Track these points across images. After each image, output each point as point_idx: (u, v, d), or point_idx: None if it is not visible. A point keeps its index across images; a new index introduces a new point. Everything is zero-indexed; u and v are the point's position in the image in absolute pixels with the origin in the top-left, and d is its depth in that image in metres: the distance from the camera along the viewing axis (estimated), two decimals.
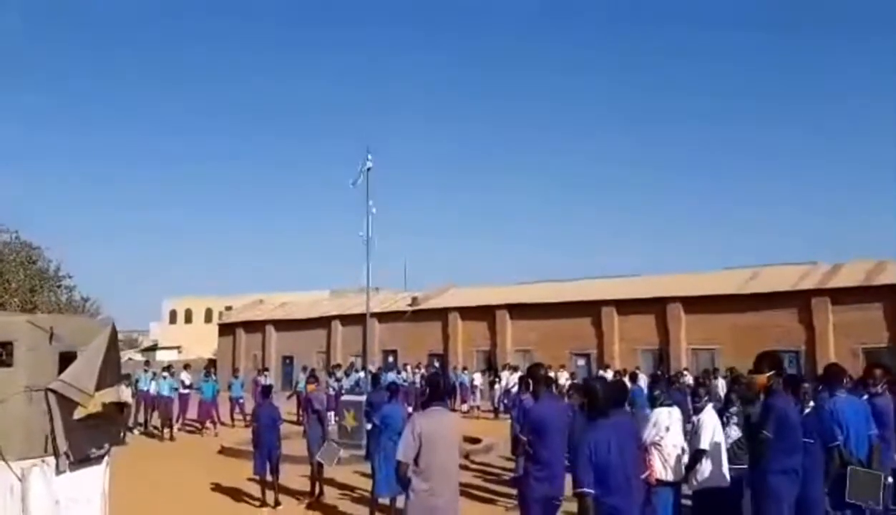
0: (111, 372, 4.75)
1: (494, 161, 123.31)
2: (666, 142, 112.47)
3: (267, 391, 12.78)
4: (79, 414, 4.39)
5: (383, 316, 38.63)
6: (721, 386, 19.63)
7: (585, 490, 4.22)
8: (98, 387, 4.51)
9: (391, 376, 23.36)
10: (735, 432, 8.19)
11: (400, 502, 9.87)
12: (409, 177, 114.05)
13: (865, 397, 6.87)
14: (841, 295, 27.47)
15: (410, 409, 13.42)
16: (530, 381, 6.45)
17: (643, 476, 4.44)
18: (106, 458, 4.84)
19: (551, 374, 18.04)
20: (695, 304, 30.63)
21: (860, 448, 6.17)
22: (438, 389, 5.52)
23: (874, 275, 27.85)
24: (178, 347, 66.47)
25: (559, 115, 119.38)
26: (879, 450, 6.35)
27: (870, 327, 26.14)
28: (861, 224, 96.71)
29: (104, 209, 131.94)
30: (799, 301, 28.35)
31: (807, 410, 6.08)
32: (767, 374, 5.56)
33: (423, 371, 29.96)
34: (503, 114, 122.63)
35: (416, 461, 5.20)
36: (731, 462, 7.98)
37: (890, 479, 6.49)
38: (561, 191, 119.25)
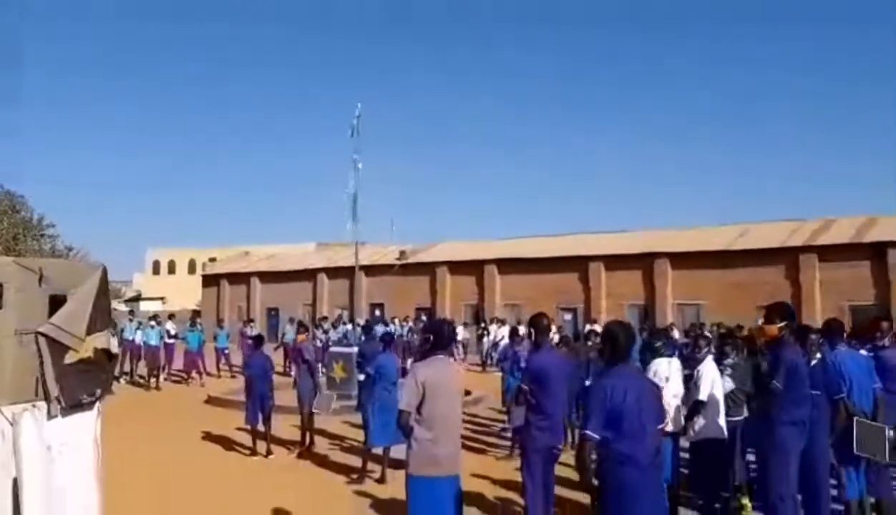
0: (101, 318, 4.57)
1: (483, 116, 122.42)
2: (655, 98, 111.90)
3: (259, 341, 12.65)
4: (70, 358, 4.22)
5: (371, 270, 38.50)
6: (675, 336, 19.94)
7: (589, 433, 4.11)
8: (88, 332, 4.35)
9: (382, 329, 23.28)
10: (729, 384, 8.16)
11: (394, 452, 9.86)
12: (397, 131, 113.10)
13: (865, 350, 6.81)
14: (829, 253, 27.52)
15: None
16: (532, 331, 6.31)
17: (660, 427, 4.31)
18: (97, 404, 4.68)
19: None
20: (682, 260, 30.64)
21: (864, 401, 6.13)
22: (442, 337, 5.38)
23: (863, 232, 27.90)
24: (161, 298, 66.14)
25: (550, 67, 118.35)
26: (884, 403, 6.30)
27: (857, 284, 26.25)
28: (852, 180, 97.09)
29: (87, 159, 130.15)
30: (787, 258, 28.39)
31: (813, 362, 6.00)
32: (779, 325, 5.46)
33: (410, 324, 29.98)
34: (493, 66, 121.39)
35: (418, 410, 5.09)
36: (725, 414, 7.98)
37: (892, 433, 6.46)
38: (551, 146, 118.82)
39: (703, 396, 7.67)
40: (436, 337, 5.41)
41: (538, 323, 6.29)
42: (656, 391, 4.52)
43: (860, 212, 32.17)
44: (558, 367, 6.24)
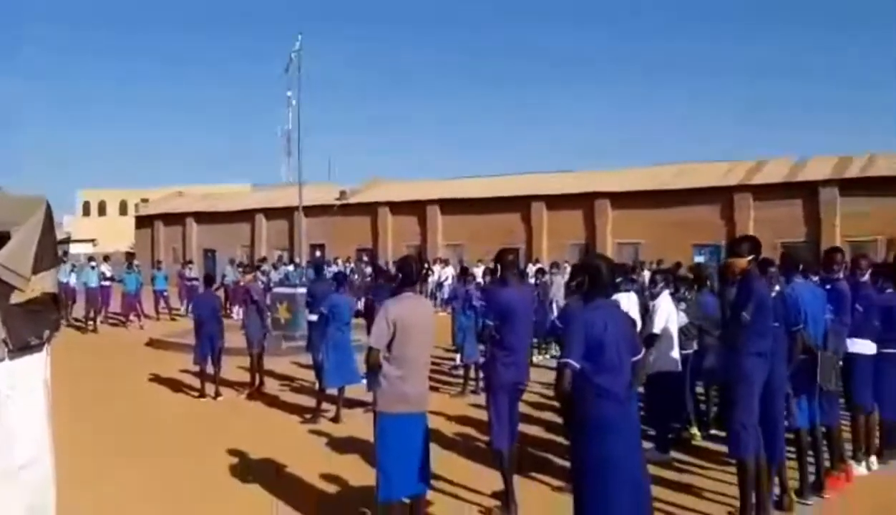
0: (47, 256, 4.30)
1: (425, 54, 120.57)
2: (595, 39, 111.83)
3: (209, 280, 12.32)
4: (16, 298, 3.97)
5: (310, 210, 37.85)
6: (646, 277, 20.21)
7: (570, 360, 4.06)
8: (34, 271, 4.09)
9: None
10: (682, 318, 8.31)
11: (348, 391, 9.81)
12: (335, 69, 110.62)
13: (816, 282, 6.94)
14: (763, 192, 28.21)
15: None
16: (498, 266, 6.23)
17: (635, 359, 4.29)
18: (46, 346, 4.44)
19: (475, 270, 18.11)
20: (621, 200, 31.04)
21: (817, 332, 6.27)
22: (410, 274, 5.26)
23: (796, 172, 28.65)
24: (92, 240, 64.09)
25: (495, 6, 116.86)
26: (834, 333, 6.48)
27: (789, 223, 27.01)
28: (786, 121, 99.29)
29: (9, 94, 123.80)
30: (722, 197, 29.00)
31: (772, 294, 6.09)
32: (748, 257, 5.49)
33: (352, 265, 29.74)
34: (437, 3, 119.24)
35: (388, 347, 4.98)
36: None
37: (840, 362, 6.67)
38: (492, 85, 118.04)
39: (656, 329, 7.80)
40: (404, 275, 5.29)
41: (504, 259, 6.21)
42: (632, 324, 4.50)
43: (793, 152, 33.06)
44: (524, 303, 6.19)
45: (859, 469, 7.04)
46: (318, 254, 35.74)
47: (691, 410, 8.64)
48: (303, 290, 14.25)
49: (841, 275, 6.86)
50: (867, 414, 7.19)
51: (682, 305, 8.43)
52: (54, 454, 3.94)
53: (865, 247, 21.71)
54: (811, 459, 6.49)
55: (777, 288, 6.20)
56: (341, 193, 38.83)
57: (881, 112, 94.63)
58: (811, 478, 6.43)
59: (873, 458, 7.26)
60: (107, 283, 22.06)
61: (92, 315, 20.73)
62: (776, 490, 6.09)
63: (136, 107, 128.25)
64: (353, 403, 9.91)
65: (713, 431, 8.49)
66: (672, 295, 8.38)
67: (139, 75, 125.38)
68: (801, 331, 6.02)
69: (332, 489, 6.85)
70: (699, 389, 9.11)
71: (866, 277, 7.25)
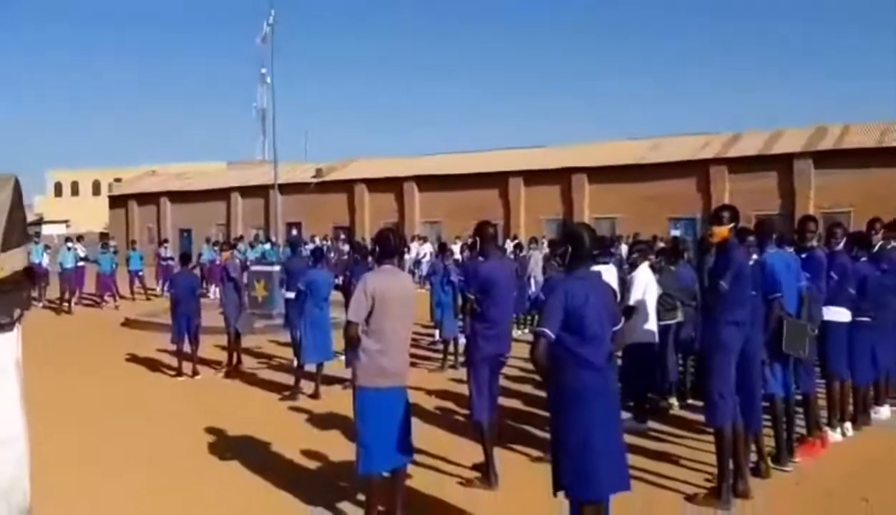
0: (18, 233, 4.21)
1: (398, 30, 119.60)
2: (570, 12, 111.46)
3: (185, 258, 12.18)
4: None
5: (286, 188, 37.59)
6: (624, 251, 20.26)
7: (545, 330, 4.04)
8: (4, 248, 4.00)
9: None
10: (658, 290, 8.36)
11: (327, 368, 9.79)
12: (309, 45, 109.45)
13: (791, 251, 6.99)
14: (738, 165, 28.39)
15: None
16: (478, 239, 6.20)
17: (615, 329, 4.29)
18: (17, 325, 4.36)
19: (453, 246, 18.08)
20: (598, 175, 31.11)
21: (790, 300, 6.32)
22: (388, 246, 5.20)
23: (771, 145, 28.84)
24: (65, 221, 63.32)
25: None
26: (809, 300, 6.54)
27: (764, 195, 27.23)
28: (760, 94, 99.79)
29: None
30: (698, 170, 29.17)
31: (750, 263, 6.13)
32: (729, 226, 5.51)
33: (329, 243, 29.60)
34: None
35: (367, 321, 4.94)
36: (657, 318, 8.19)
37: (814, 330, 6.75)
38: (469, 61, 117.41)
39: (632, 301, 7.85)
40: (382, 248, 5.23)
41: (484, 232, 6.18)
42: (613, 294, 4.49)
43: (768, 124, 33.26)
44: (504, 276, 6.17)
45: (834, 436, 7.15)
46: (294, 232, 35.54)
47: (675, 380, 8.73)
48: (279, 268, 14.18)
49: (815, 244, 6.91)
50: (842, 382, 7.30)
51: (655, 276, 8.48)
52: (28, 434, 3.88)
53: (839, 218, 21.92)
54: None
55: (754, 257, 6.22)
56: (317, 171, 38.56)
57: (857, 82, 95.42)
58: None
59: (848, 424, 7.38)
60: (81, 264, 21.79)
61: (67, 296, 20.48)
62: (753, 457, 6.17)
63: (107, 86, 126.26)
64: (331, 379, 9.89)
65: (690, 400, 8.58)
66: (650, 267, 8.43)
67: (111, 53, 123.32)
68: (777, 300, 6.06)
69: (312, 464, 6.83)
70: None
71: (841, 246, 7.33)
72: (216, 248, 21.84)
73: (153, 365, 12.19)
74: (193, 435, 7.82)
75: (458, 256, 16.34)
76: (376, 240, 5.35)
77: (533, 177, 32.33)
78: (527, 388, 9.44)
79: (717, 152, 29.46)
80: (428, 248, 27.31)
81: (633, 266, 8.22)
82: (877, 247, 7.92)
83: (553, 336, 4.05)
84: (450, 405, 8.91)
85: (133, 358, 12.77)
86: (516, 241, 22.65)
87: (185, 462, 7.05)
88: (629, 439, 7.06)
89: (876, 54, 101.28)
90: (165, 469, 6.81)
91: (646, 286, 7.90)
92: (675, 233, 23.88)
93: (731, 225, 5.51)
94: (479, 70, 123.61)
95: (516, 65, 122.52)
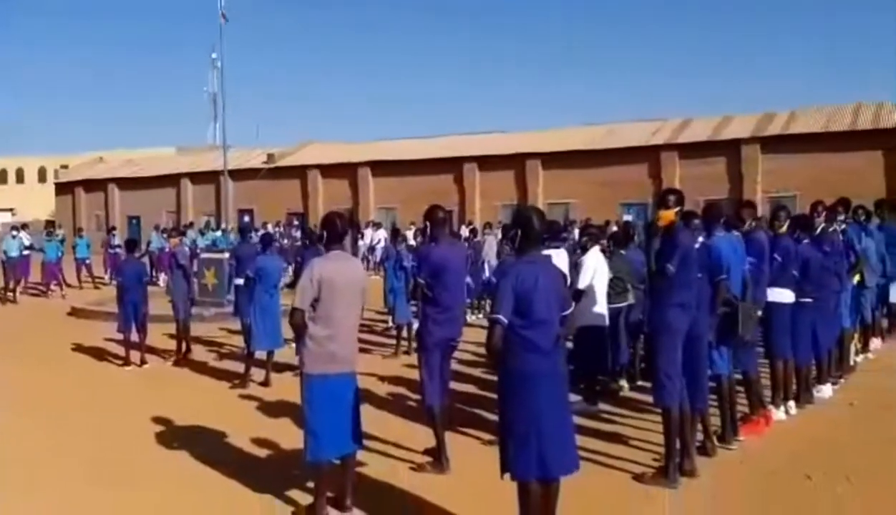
0: None
1: (352, 13, 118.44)
2: (523, 1, 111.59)
3: (131, 245, 11.90)
4: None
5: (238, 174, 37.16)
6: (575, 235, 20.46)
7: (500, 317, 4.04)
8: None
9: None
10: (609, 274, 8.43)
11: (278, 355, 9.68)
12: (263, 30, 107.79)
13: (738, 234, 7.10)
14: (688, 151, 28.82)
15: None
16: (428, 224, 6.16)
17: (564, 314, 4.30)
18: None
19: (407, 232, 18.03)
20: (552, 160, 31.29)
21: (735, 282, 6.44)
22: (335, 230, 5.12)
23: (719, 131, 29.31)
24: (10, 209, 61.54)
25: None
26: (753, 281, 6.66)
27: (713, 180, 27.69)
28: (709, 81, 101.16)
29: None
30: (649, 156, 29.54)
31: (696, 246, 6.21)
32: (675, 210, 5.56)
33: (282, 229, 29.28)
34: None
35: (314, 306, 4.88)
36: (608, 301, 8.27)
37: (760, 313, 6.89)
38: (423, 45, 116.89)
39: (581, 285, 7.90)
40: (328, 233, 5.15)
41: (434, 216, 6.14)
42: (563, 278, 4.50)
43: (718, 111, 33.79)
44: (455, 260, 6.14)
45: (778, 414, 7.31)
46: (246, 218, 35.12)
47: (625, 362, 8.84)
48: (229, 255, 13.97)
49: (751, 226, 7.02)
50: (785, 361, 7.45)
51: (606, 260, 8.54)
52: None
53: (786, 202, 22.39)
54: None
55: (700, 239, 6.31)
56: (269, 156, 38.08)
57: (803, 70, 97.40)
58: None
59: (791, 403, 7.55)
60: (26, 253, 21.19)
61: (12, 286, 19.95)
62: (699, 436, 6.28)
63: (53, 72, 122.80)
64: (282, 367, 9.78)
65: (640, 382, 8.69)
66: (601, 251, 8.50)
67: (56, 38, 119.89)
68: (723, 282, 6.16)
69: (262, 453, 6.76)
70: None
71: (784, 229, 7.47)
72: (164, 235, 21.44)
73: (100, 354, 11.93)
74: (140, 425, 7.67)
75: (412, 242, 16.25)
76: (322, 225, 5.27)
77: (488, 163, 32.39)
78: (479, 372, 9.47)
79: (668, 138, 29.86)
80: (382, 234, 27.17)
81: (584, 250, 8.28)
82: (819, 230, 8.11)
83: (506, 321, 4.06)
84: (402, 390, 8.89)
85: (79, 348, 12.48)
86: (471, 227, 22.70)
87: (131, 452, 6.91)
88: (580, 421, 7.15)
89: (821, 41, 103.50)
90: (110, 461, 6.66)
91: (595, 269, 7.95)
92: (627, 217, 24.16)
93: (677, 208, 5.58)
94: (434, 56, 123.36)
95: (471, 51, 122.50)
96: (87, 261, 23.45)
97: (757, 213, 7.46)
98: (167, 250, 15.78)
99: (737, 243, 6.66)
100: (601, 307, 8.06)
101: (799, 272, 7.43)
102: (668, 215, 5.58)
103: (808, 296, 7.54)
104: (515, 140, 33.55)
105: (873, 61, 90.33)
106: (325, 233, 5.19)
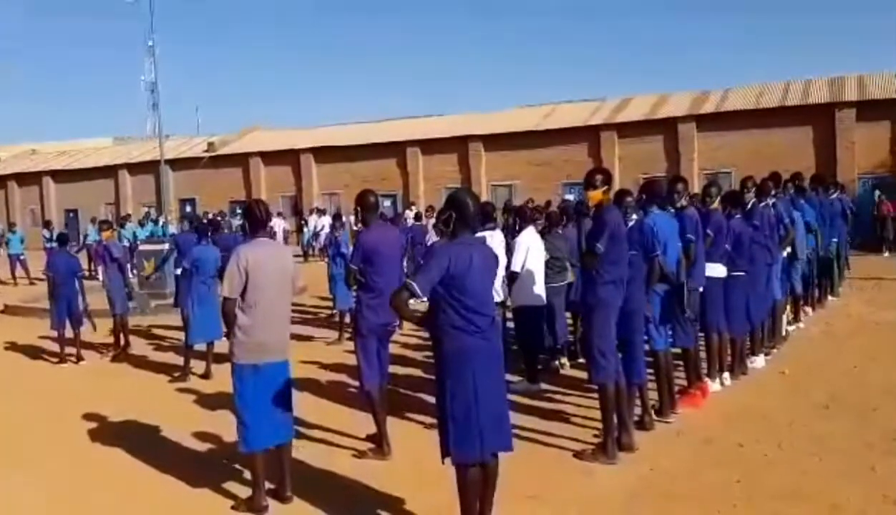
0: None
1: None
2: None
3: (63, 239, 11.53)
4: None
5: (178, 163, 36.39)
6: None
7: (415, 285, 4.00)
8: None
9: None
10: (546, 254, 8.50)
11: (217, 347, 9.52)
12: (199, 16, 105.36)
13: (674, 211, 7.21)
14: (626, 129, 29.12)
15: None
16: (359, 209, 6.10)
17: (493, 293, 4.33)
18: None
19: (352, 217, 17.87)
20: (494, 142, 31.34)
21: (672, 259, 6.55)
22: (256, 217, 5.02)
23: (656, 110, 29.71)
24: None
25: None
26: (689, 260, 6.80)
27: (650, 158, 28.07)
28: (646, 59, 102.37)
29: None
30: (589, 136, 29.76)
31: (630, 223, 6.30)
32: (601, 189, 5.62)
33: (227, 218, 28.82)
34: None
35: (242, 295, 4.81)
36: (546, 281, 8.34)
37: (699, 290, 7.04)
38: (363, 29, 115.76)
39: (515, 267, 7.94)
40: (251, 220, 5.07)
41: (364, 201, 6.07)
42: (496, 260, 4.51)
43: (655, 90, 34.23)
44: (388, 245, 6.08)
45: (714, 386, 7.49)
46: (188, 208, 34.47)
47: (565, 340, 8.93)
48: (167, 246, 13.71)
49: (684, 203, 7.14)
50: (720, 334, 7.63)
51: (544, 241, 8.60)
52: None
53: (722, 179, 22.86)
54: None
55: (634, 217, 6.40)
56: (209, 145, 37.36)
57: (735, 48, 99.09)
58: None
59: (726, 374, 7.74)
60: None
61: None
62: (638, 411, 6.40)
63: None
64: (223, 358, 9.61)
65: (581, 360, 8.80)
66: (539, 232, 8.55)
67: None
68: (658, 258, 6.27)
69: (200, 446, 6.66)
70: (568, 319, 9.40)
71: (716, 204, 7.62)
72: (95, 228, 20.92)
73: (34, 352, 11.60)
74: (74, 422, 7.48)
75: (356, 227, 16.12)
76: (244, 213, 5.19)
77: (430, 146, 32.28)
78: (419, 356, 9.48)
79: (607, 118, 30.15)
80: (326, 221, 26.95)
81: (518, 232, 8.31)
82: (749, 205, 8.29)
83: (420, 294, 4.05)
84: (343, 378, 8.85)
85: (13, 346, 12.12)
86: (416, 211, 22.67)
87: (65, 449, 6.74)
88: (522, 400, 7.25)
89: (753, 19, 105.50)
90: (43, 460, 6.49)
91: (527, 250, 7.98)
92: (569, 197, 24.38)
93: (605, 188, 5.63)
94: (374, 39, 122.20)
95: (411, 33, 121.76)
96: (21, 257, 22.73)
97: (688, 189, 7.57)
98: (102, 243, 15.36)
99: (672, 221, 6.77)
100: (539, 287, 8.10)
101: (731, 246, 7.60)
102: (596, 195, 5.64)
103: (739, 270, 7.72)
104: (458, 123, 33.51)
105: (800, 40, 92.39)
106: (247, 221, 5.10)
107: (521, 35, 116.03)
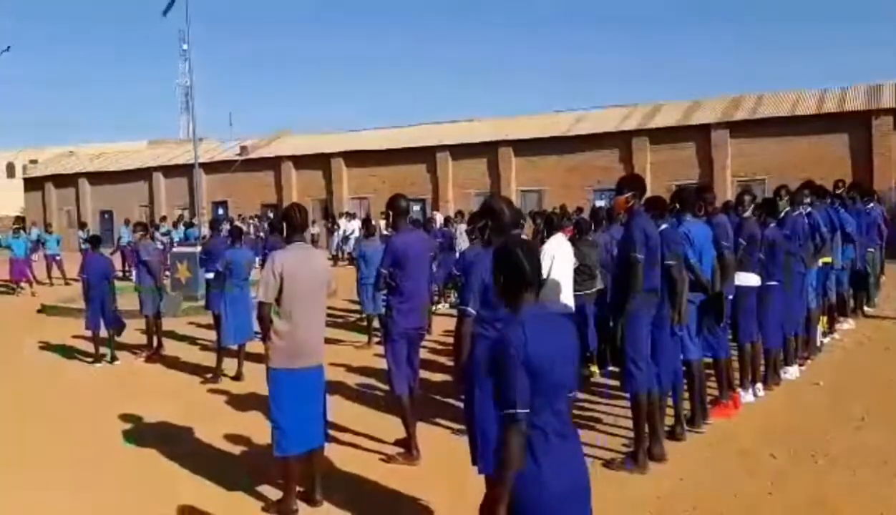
0: None
1: (323, 3, 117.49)
2: None
3: (95, 241, 11.71)
4: None
5: (211, 167, 36.79)
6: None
7: (468, 308, 4.04)
8: None
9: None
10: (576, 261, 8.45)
11: (250, 347, 9.62)
12: (235, 21, 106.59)
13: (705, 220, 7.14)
14: (658, 136, 28.90)
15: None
16: (390, 213, 6.12)
17: None
18: None
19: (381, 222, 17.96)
20: (524, 147, 31.26)
21: (707, 267, 6.50)
22: (293, 222, 5.08)
23: (689, 116, 29.44)
24: None
25: None
26: (726, 269, 6.74)
27: (683, 165, 27.82)
28: (679, 66, 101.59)
29: None
30: (620, 141, 29.57)
31: (660, 229, 6.24)
32: (626, 195, 5.58)
33: (255, 222, 29.11)
34: None
35: (277, 300, 4.85)
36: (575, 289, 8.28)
37: (731, 297, 6.98)
38: (395, 35, 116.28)
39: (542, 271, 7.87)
40: (288, 224, 5.11)
41: (396, 205, 6.10)
42: None
43: (688, 95, 33.92)
44: (417, 249, 6.10)
45: (746, 397, 7.39)
46: (220, 211, 34.84)
47: (593, 348, 8.87)
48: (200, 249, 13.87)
49: (706, 212, 7.06)
50: (753, 344, 7.54)
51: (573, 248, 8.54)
52: None
53: (755, 186, 22.57)
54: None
55: (664, 226, 6.35)
56: (242, 149, 37.74)
57: (770, 54, 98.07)
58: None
59: (759, 385, 7.64)
60: None
61: None
62: (669, 421, 6.34)
63: (21, 65, 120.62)
64: (255, 359, 9.72)
65: (612, 368, 8.74)
66: (571, 239, 8.50)
67: (25, 30, 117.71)
68: (694, 266, 6.22)
69: (233, 448, 6.72)
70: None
71: (749, 213, 7.54)
72: (130, 230, 21.22)
73: (69, 351, 11.80)
74: (108, 423, 7.60)
75: (385, 232, 16.15)
76: (282, 217, 5.24)
77: (460, 151, 32.30)
78: (449, 361, 9.46)
79: (639, 124, 29.93)
80: (356, 225, 27.11)
81: (543, 241, 8.27)
82: (783, 214, 8.19)
83: (475, 313, 4.06)
84: (373, 382, 8.88)
85: (48, 346, 12.33)
86: (445, 215, 22.73)
87: (102, 450, 6.84)
88: None
89: (789, 26, 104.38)
90: (81, 459, 6.60)
91: (553, 257, 7.91)
92: (600, 203, 24.28)
93: (629, 193, 5.60)
94: (406, 44, 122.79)
95: (443, 38, 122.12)
96: (58, 258, 23.12)
97: (715, 198, 7.52)
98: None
99: (707, 229, 6.71)
100: (566, 295, 8.03)
101: (764, 255, 7.51)
102: (620, 201, 5.62)
103: (773, 279, 7.62)
104: (488, 127, 33.49)
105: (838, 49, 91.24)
106: (285, 226, 5.15)
107: (554, 41, 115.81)
